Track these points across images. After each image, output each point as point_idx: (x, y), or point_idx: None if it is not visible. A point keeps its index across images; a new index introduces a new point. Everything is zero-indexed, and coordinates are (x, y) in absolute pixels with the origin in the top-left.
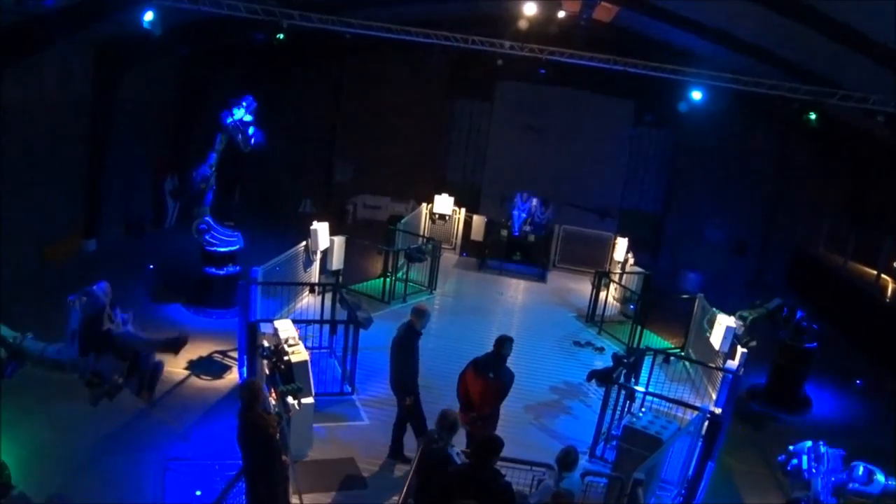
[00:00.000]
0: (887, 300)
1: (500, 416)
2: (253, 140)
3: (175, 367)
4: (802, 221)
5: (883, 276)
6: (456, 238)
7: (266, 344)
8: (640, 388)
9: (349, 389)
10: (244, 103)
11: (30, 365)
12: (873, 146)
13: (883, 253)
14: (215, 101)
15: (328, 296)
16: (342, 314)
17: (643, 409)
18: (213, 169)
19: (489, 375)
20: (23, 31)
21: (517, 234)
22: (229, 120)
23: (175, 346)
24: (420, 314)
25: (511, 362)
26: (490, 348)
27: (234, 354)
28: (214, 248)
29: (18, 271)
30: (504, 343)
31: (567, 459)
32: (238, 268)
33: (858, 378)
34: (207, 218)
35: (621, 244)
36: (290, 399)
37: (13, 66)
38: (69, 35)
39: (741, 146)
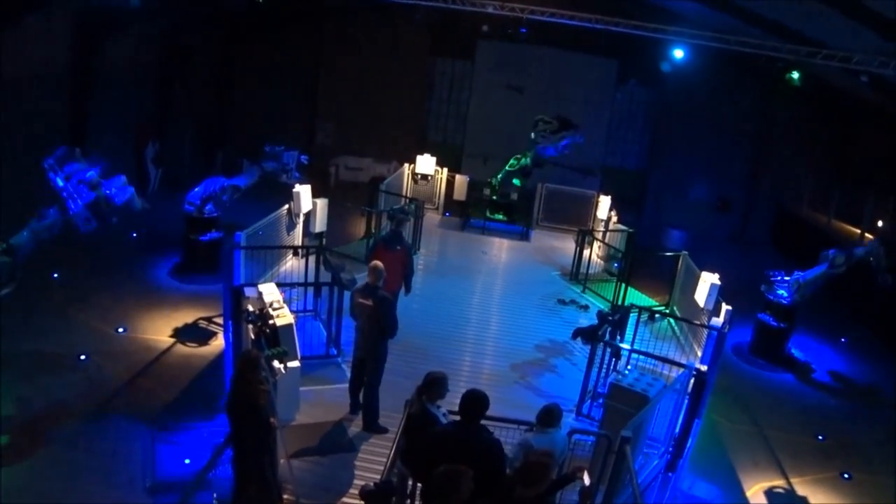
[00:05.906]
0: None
1: (487, 375)
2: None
3: (161, 335)
4: (786, 179)
5: (867, 234)
6: (439, 198)
7: (251, 308)
8: (626, 346)
9: (335, 351)
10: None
11: None
12: (857, 106)
13: (866, 211)
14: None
15: (312, 258)
16: (326, 276)
17: (629, 367)
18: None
19: (396, 248)
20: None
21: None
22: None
23: None
24: (374, 271)
25: (496, 320)
26: (474, 306)
27: (219, 320)
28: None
29: None
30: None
31: (546, 416)
32: (220, 233)
33: (842, 336)
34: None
35: (604, 202)
36: (276, 363)
37: None
38: (50, 2)
39: (725, 105)
